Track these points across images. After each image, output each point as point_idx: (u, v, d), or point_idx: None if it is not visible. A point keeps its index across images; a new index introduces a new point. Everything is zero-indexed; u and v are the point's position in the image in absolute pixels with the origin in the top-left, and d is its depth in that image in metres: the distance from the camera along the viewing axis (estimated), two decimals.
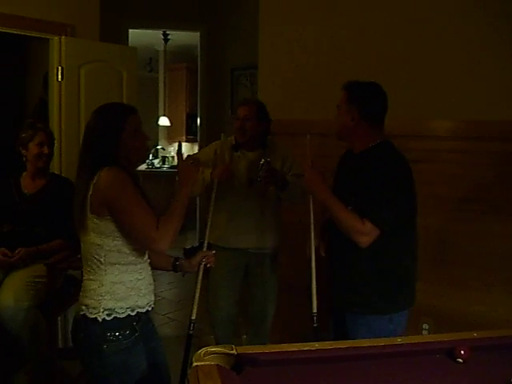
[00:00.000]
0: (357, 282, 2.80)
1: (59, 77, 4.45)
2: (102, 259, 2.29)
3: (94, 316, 2.27)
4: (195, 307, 3.14)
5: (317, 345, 2.07)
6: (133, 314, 2.33)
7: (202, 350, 1.91)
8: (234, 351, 1.94)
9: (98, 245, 2.28)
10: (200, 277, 3.09)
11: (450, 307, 3.61)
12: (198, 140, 7.81)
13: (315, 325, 2.91)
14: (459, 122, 3.59)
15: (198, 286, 3.13)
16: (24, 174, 3.67)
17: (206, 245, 3.31)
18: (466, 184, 3.57)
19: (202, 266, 2.83)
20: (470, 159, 3.55)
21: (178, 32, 8.49)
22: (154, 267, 2.52)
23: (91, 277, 2.31)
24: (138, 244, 2.32)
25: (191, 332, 3.15)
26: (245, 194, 3.61)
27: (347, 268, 2.83)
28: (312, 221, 3.07)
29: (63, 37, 4.47)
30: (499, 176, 3.45)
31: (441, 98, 3.63)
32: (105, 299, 2.28)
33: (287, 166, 3.66)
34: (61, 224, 3.55)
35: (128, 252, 2.31)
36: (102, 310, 2.27)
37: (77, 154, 4.39)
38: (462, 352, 2.03)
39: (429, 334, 3.61)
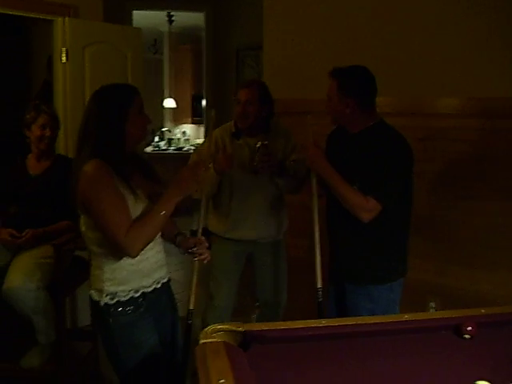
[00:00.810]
0: (357, 253, 2.87)
1: (63, 58, 4.43)
2: (97, 250, 2.32)
3: (98, 299, 2.33)
4: (193, 297, 3.11)
5: (323, 321, 2.08)
6: (137, 294, 2.35)
7: (210, 328, 1.92)
8: (241, 328, 1.95)
9: (89, 237, 2.32)
10: (196, 268, 3.05)
11: (457, 286, 3.61)
12: (204, 122, 7.79)
13: (320, 299, 2.93)
14: (465, 99, 3.56)
15: (195, 277, 3.07)
16: (29, 155, 3.67)
17: (200, 231, 3.11)
18: (473, 162, 3.55)
19: (196, 262, 2.83)
20: (476, 137, 3.53)
21: (183, 13, 8.43)
22: (163, 237, 2.55)
23: (94, 263, 2.37)
24: (113, 245, 2.27)
25: (190, 321, 3.12)
26: (250, 185, 3.41)
27: (348, 239, 2.90)
28: (315, 200, 3.05)
29: (67, 18, 4.44)
30: (506, 154, 3.43)
31: (446, 75, 3.60)
32: (106, 285, 2.32)
33: (289, 148, 3.47)
34: (67, 205, 3.55)
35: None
36: (104, 295, 2.32)
37: None
38: (469, 328, 2.03)
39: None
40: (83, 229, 2.33)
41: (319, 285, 2.97)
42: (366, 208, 2.71)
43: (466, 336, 2.04)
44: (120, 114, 2.27)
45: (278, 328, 2.03)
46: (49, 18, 4.49)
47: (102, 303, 2.31)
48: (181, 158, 7.73)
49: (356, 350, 1.96)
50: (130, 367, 2.35)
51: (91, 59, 4.58)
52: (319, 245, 2.92)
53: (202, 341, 1.84)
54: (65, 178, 3.54)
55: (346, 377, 1.81)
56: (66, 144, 4.43)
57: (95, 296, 2.34)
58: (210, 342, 1.83)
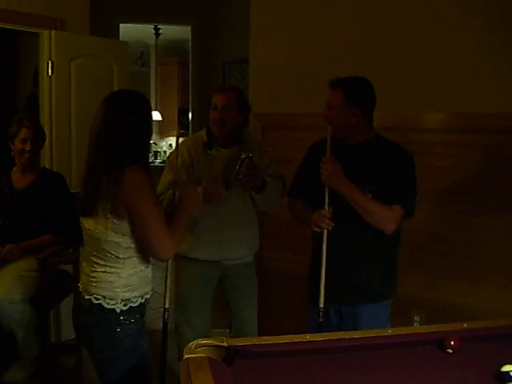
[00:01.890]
0: (359, 272, 2.81)
1: (49, 71, 4.42)
2: (120, 255, 2.32)
3: (111, 307, 2.32)
4: (168, 295, 3.05)
5: (308, 336, 2.08)
6: (142, 300, 2.41)
7: (193, 343, 1.92)
8: (224, 343, 1.95)
9: (117, 243, 2.30)
10: (170, 265, 2.97)
11: (441, 299, 3.62)
12: (190, 134, 7.79)
13: (321, 320, 2.80)
14: (451, 114, 3.59)
15: (169, 274, 2.97)
16: (14, 168, 3.66)
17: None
18: (457, 176, 3.58)
19: (170, 264, 2.80)
20: (462, 152, 3.56)
21: (170, 26, 8.45)
22: None
23: (108, 270, 2.34)
24: (146, 249, 2.34)
25: (166, 320, 3.06)
26: (220, 200, 3.06)
27: (347, 260, 2.82)
28: (327, 199, 2.79)
29: (53, 31, 4.44)
30: (491, 168, 3.46)
31: (433, 90, 3.63)
32: (123, 291, 2.34)
33: (266, 161, 3.26)
34: (51, 219, 3.55)
35: (141, 246, 2.35)
36: (119, 301, 2.33)
37: (67, 148, 4.45)
38: (452, 343, 2.04)
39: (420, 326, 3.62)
40: (108, 234, 2.28)
41: (321, 305, 2.81)
42: (394, 218, 2.70)
43: (449, 350, 2.05)
44: (149, 124, 2.35)
45: (262, 343, 2.03)
46: (35, 30, 4.49)
47: (117, 310, 2.32)
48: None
49: (340, 365, 1.96)
50: (131, 375, 2.37)
51: (77, 72, 4.58)
52: (325, 265, 2.78)
53: (186, 356, 1.84)
54: (50, 192, 3.58)
55: None
56: (51, 156, 4.42)
57: (107, 303, 2.32)
58: (194, 357, 1.83)
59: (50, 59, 4.43)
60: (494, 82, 3.43)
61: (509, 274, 3.41)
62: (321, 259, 2.80)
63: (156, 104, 10.36)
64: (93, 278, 2.35)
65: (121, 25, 7.06)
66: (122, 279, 2.34)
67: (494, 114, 3.39)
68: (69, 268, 3.85)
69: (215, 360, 1.86)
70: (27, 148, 3.57)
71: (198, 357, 1.84)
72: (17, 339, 3.34)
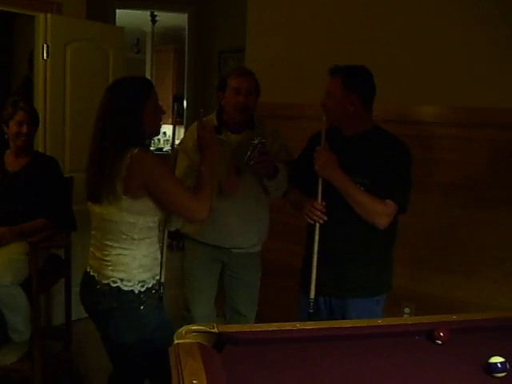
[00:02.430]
0: (349, 266, 2.79)
1: (45, 55, 4.39)
2: (135, 236, 2.37)
3: (129, 288, 2.38)
4: (164, 270, 3.00)
5: (298, 325, 2.08)
6: (155, 281, 2.48)
7: (184, 328, 1.92)
8: (215, 330, 1.95)
9: (132, 223, 2.35)
10: (165, 240, 2.86)
11: (432, 292, 3.64)
12: (185, 123, 7.77)
13: (311, 310, 2.78)
14: (447, 108, 3.60)
15: (164, 250, 2.83)
16: (7, 151, 3.65)
17: None
18: (452, 170, 3.59)
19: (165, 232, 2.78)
20: (458, 145, 3.57)
21: (166, 13, 8.40)
22: None
23: (122, 252, 2.39)
24: (180, 216, 2.50)
25: (162, 294, 3.05)
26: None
27: (338, 253, 2.80)
28: (320, 190, 2.76)
29: (49, 14, 4.40)
30: (486, 163, 3.47)
31: (429, 83, 3.64)
32: (139, 272, 2.40)
33: (276, 146, 3.18)
34: (44, 202, 3.54)
35: (153, 226, 2.43)
36: (136, 283, 2.40)
37: (61, 132, 4.44)
38: (441, 334, 2.05)
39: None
40: (123, 215, 2.33)
41: (312, 296, 2.79)
42: (386, 213, 2.68)
43: (438, 341, 2.06)
44: (142, 103, 2.35)
45: (253, 330, 2.04)
46: (31, 13, 4.46)
47: (135, 291, 2.38)
48: (160, 157, 7.69)
49: (329, 353, 1.97)
50: (162, 348, 2.36)
51: (73, 56, 4.54)
52: (317, 255, 2.76)
53: (176, 341, 1.84)
54: (43, 175, 3.57)
55: (319, 379, 1.82)
56: (44, 140, 4.40)
57: (125, 285, 2.37)
58: (184, 343, 1.83)
59: (46, 43, 4.39)
60: (493, 76, 3.43)
61: (500, 268, 3.43)
62: (312, 250, 2.79)
63: None
64: (108, 261, 2.39)
65: (117, 11, 7.02)
66: (137, 260, 2.39)
67: (493, 108, 3.40)
68: (60, 252, 3.86)
69: (206, 346, 1.86)
70: (23, 131, 3.55)
71: (189, 342, 1.84)
72: (6, 322, 3.33)
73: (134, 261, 2.39)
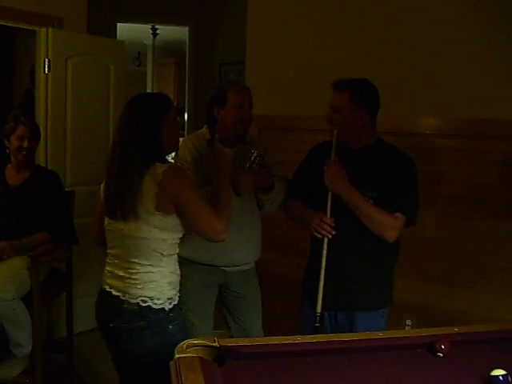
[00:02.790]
0: (356, 280, 2.78)
1: (46, 69, 4.42)
2: (164, 252, 2.36)
3: (159, 307, 2.36)
4: None
5: (299, 338, 2.08)
6: (178, 298, 2.48)
7: (184, 343, 1.92)
8: (216, 343, 1.95)
9: (162, 239, 2.34)
10: None
11: (433, 303, 3.63)
12: (186, 135, 7.79)
13: (317, 324, 2.77)
14: (447, 119, 3.61)
15: None
16: (9, 165, 3.66)
17: None
18: (451, 181, 3.59)
19: None
20: (457, 157, 3.58)
21: (167, 27, 8.45)
22: None
23: (152, 269, 2.36)
24: (202, 235, 2.43)
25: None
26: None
27: (345, 266, 2.78)
28: (329, 204, 2.74)
29: (50, 29, 4.43)
30: (485, 174, 3.48)
31: (428, 95, 3.65)
32: (168, 289, 2.39)
33: (270, 161, 3.09)
34: (45, 216, 3.55)
35: (179, 242, 2.43)
36: (166, 300, 2.38)
37: (62, 146, 4.45)
38: (443, 346, 2.04)
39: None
40: (153, 231, 2.32)
41: (318, 310, 2.76)
42: (396, 226, 2.67)
43: (440, 354, 2.05)
44: (163, 118, 2.36)
45: (253, 344, 2.03)
46: (32, 28, 4.49)
47: (166, 309, 2.37)
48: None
49: (331, 367, 1.97)
50: None
51: (74, 71, 4.57)
52: (324, 269, 2.74)
53: (177, 355, 1.84)
54: (44, 189, 3.58)
55: None
56: (46, 154, 4.41)
57: (155, 304, 2.35)
58: (185, 357, 1.82)
59: (47, 57, 4.42)
60: (490, 88, 3.45)
61: (500, 279, 3.42)
62: (319, 263, 2.77)
63: None
64: (136, 279, 2.35)
65: (118, 24, 7.06)
66: (166, 277, 2.39)
67: (490, 119, 3.41)
68: (61, 266, 3.86)
69: (206, 360, 1.86)
70: (25, 145, 3.57)
71: (189, 356, 1.83)
72: (8, 336, 3.33)
73: (164, 278, 2.38)
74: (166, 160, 2.43)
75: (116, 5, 6.72)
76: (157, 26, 9.04)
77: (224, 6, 6.85)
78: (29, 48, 4.83)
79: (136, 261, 2.35)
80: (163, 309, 2.36)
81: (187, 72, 7.63)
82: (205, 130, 3.20)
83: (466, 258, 3.55)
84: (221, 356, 1.93)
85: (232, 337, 3.32)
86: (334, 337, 2.20)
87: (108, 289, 2.41)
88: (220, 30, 6.96)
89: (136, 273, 2.35)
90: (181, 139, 2.83)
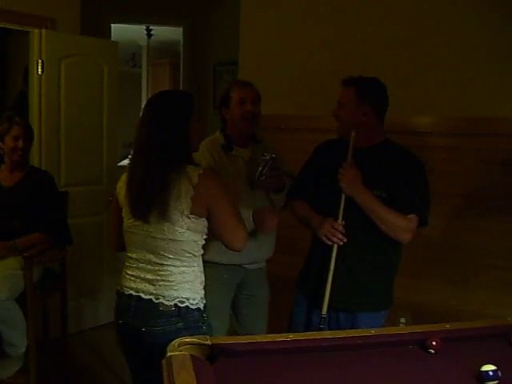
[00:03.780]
0: (361, 280, 2.78)
1: (39, 70, 4.42)
2: (196, 253, 2.37)
3: (196, 306, 2.36)
4: None
5: (291, 335, 2.08)
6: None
7: (176, 341, 1.92)
8: (208, 342, 1.95)
9: (195, 241, 2.34)
10: None
11: (427, 301, 3.65)
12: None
13: (322, 326, 2.75)
14: (441, 118, 3.61)
15: None
16: (2, 166, 3.66)
17: None
18: (446, 179, 3.59)
19: None
20: (452, 155, 3.58)
21: (161, 27, 8.45)
22: None
23: (186, 270, 2.36)
24: (225, 241, 2.42)
25: None
26: (246, 200, 2.86)
27: (352, 267, 2.77)
28: (340, 221, 2.70)
29: (44, 30, 4.43)
30: (480, 172, 3.48)
31: (421, 94, 3.66)
32: (200, 288, 2.41)
33: (279, 161, 3.10)
34: (39, 217, 3.55)
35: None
36: (200, 299, 2.39)
37: (56, 147, 4.46)
38: (434, 343, 2.06)
39: None
40: (186, 234, 2.30)
41: (324, 312, 2.74)
42: (410, 228, 2.68)
43: (431, 351, 2.06)
44: (189, 117, 2.33)
45: (246, 342, 2.04)
46: (26, 29, 4.49)
47: (201, 308, 2.38)
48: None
49: (322, 364, 1.97)
50: None
51: (67, 71, 4.57)
52: (333, 271, 2.72)
53: (169, 353, 1.84)
54: (38, 190, 3.58)
55: None
56: (39, 155, 4.41)
57: (191, 304, 2.34)
58: (177, 355, 1.83)
59: (40, 58, 4.42)
60: (488, 86, 3.45)
61: (494, 276, 3.43)
62: (322, 264, 2.77)
63: None
64: (171, 281, 2.33)
65: (112, 25, 7.06)
66: (198, 277, 2.40)
67: (489, 117, 3.42)
68: (55, 266, 3.86)
69: (198, 358, 1.86)
70: (20, 145, 3.58)
71: (182, 354, 1.83)
72: (2, 337, 3.34)
73: (197, 278, 2.38)
74: (193, 160, 2.38)
75: (110, 6, 6.72)
76: (151, 27, 9.04)
77: (218, 6, 6.86)
78: (22, 49, 4.82)
79: (169, 263, 2.33)
80: (199, 308, 2.37)
81: (182, 72, 7.64)
82: (218, 134, 3.17)
83: (459, 255, 3.56)
84: (213, 354, 1.94)
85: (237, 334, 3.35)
86: (327, 334, 2.21)
87: (134, 293, 2.37)
88: (214, 31, 6.96)
89: (170, 274, 2.33)
90: None
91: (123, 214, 2.41)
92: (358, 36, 3.90)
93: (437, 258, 3.64)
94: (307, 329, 2.89)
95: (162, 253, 2.33)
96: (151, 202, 2.26)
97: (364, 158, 2.74)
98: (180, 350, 1.88)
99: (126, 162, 9.79)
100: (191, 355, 1.84)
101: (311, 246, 2.98)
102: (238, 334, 3.31)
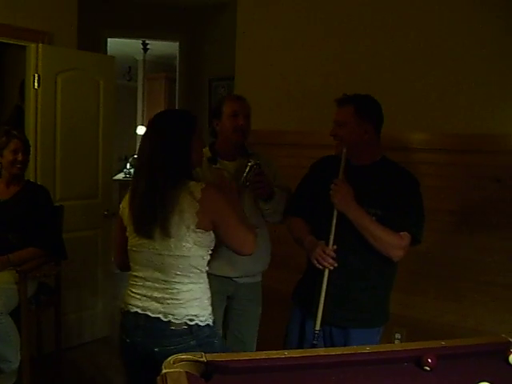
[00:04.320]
0: (354, 297, 2.78)
1: (36, 84, 4.42)
2: (202, 268, 2.38)
3: (205, 323, 2.36)
4: None
5: (286, 353, 2.08)
6: None
7: (171, 358, 1.91)
8: (203, 358, 1.94)
9: (201, 256, 2.35)
10: None
11: (422, 317, 3.64)
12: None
13: (315, 342, 2.74)
14: (433, 134, 3.63)
15: None
16: None
17: None
18: (440, 196, 3.59)
19: None
20: (445, 171, 3.60)
21: (158, 42, 8.49)
22: None
23: (193, 287, 2.36)
24: (235, 249, 2.46)
25: None
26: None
27: (345, 283, 2.77)
28: (332, 239, 2.73)
29: (40, 44, 4.44)
30: (473, 188, 3.49)
31: (417, 110, 3.67)
32: (208, 304, 2.41)
33: (272, 173, 3.17)
34: (34, 231, 3.54)
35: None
36: (208, 315, 2.39)
37: (52, 161, 4.45)
38: (429, 360, 2.05)
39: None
40: (193, 248, 2.32)
41: (317, 327, 2.75)
42: (402, 245, 2.68)
43: (427, 368, 2.06)
44: (192, 134, 2.38)
45: (241, 359, 2.03)
46: (22, 43, 4.49)
47: (210, 324, 2.38)
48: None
49: (319, 381, 1.96)
50: None
51: (64, 86, 4.57)
52: (325, 285, 2.73)
53: (164, 370, 1.83)
54: (34, 204, 3.58)
55: None
56: (35, 169, 4.40)
57: (201, 321, 2.34)
58: (172, 372, 1.82)
59: (37, 72, 4.42)
60: (476, 103, 3.48)
61: (489, 292, 3.43)
62: (316, 281, 2.77)
63: (143, 119, 10.37)
64: (179, 299, 2.33)
65: (109, 39, 7.08)
66: (205, 293, 2.40)
67: (476, 134, 3.44)
68: (50, 281, 3.85)
69: (193, 375, 1.85)
70: (19, 158, 3.59)
71: (177, 371, 1.83)
72: None
73: (204, 294, 2.39)
74: (194, 176, 2.43)
75: (107, 20, 6.74)
76: (147, 41, 9.08)
77: (214, 21, 6.90)
78: (18, 63, 4.84)
79: (176, 280, 2.33)
80: (208, 325, 2.36)
81: (177, 87, 7.66)
82: (205, 149, 3.09)
83: (454, 271, 3.56)
84: (208, 371, 1.93)
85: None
86: (321, 351, 2.20)
87: (141, 311, 2.36)
88: (210, 46, 6.99)
89: (178, 292, 2.33)
90: None
91: (127, 234, 2.42)
92: (354, 53, 3.92)
93: (433, 274, 3.64)
94: (302, 344, 2.89)
95: (169, 270, 2.33)
96: (154, 217, 2.28)
97: (362, 176, 2.75)
98: (175, 366, 1.86)
99: (121, 175, 9.81)
100: (186, 372, 1.83)
101: (308, 259, 2.97)
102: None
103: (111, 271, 4.95)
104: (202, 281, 2.39)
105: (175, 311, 2.32)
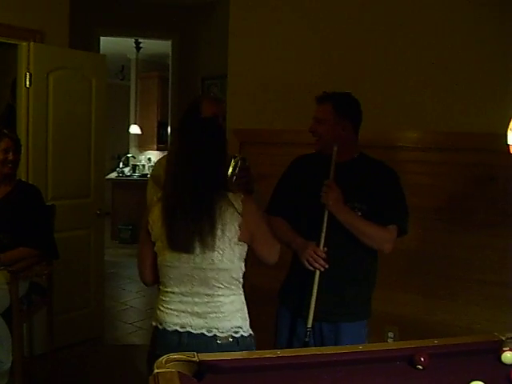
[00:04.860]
0: (344, 291, 2.79)
1: (27, 83, 4.40)
2: (241, 280, 2.37)
3: (248, 333, 2.35)
4: None
5: (278, 352, 2.07)
6: None
7: (164, 358, 1.90)
8: (195, 358, 1.93)
9: (240, 267, 2.35)
10: None
11: (415, 316, 3.65)
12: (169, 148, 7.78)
13: (307, 339, 2.74)
14: (424, 133, 3.64)
15: None
16: None
17: None
18: (433, 194, 3.61)
19: None
20: (437, 170, 3.61)
21: (150, 40, 8.48)
22: None
23: (235, 299, 2.34)
24: (264, 258, 2.45)
25: None
26: None
27: (334, 278, 2.76)
28: (323, 237, 2.72)
29: (32, 43, 4.42)
30: (466, 187, 3.51)
31: (408, 109, 3.68)
32: (248, 315, 2.39)
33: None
34: (26, 231, 3.53)
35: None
36: (249, 326, 2.37)
37: (44, 160, 4.43)
38: (422, 359, 2.04)
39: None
40: (235, 261, 2.30)
41: (309, 325, 2.74)
42: (391, 239, 2.74)
43: (419, 367, 2.05)
44: (224, 149, 2.37)
45: (233, 358, 2.02)
46: (14, 42, 4.47)
47: (252, 334, 2.37)
48: (145, 184, 7.69)
49: (311, 380, 1.96)
50: None
51: (55, 84, 4.56)
52: (317, 284, 2.72)
53: (156, 370, 1.82)
54: (25, 204, 3.56)
55: None
56: (27, 168, 4.38)
57: (244, 331, 2.33)
58: (164, 372, 1.81)
59: (28, 71, 4.41)
60: (469, 102, 3.49)
61: (482, 291, 3.45)
62: (306, 278, 2.76)
63: (135, 118, 10.36)
64: (223, 312, 2.30)
65: (102, 38, 7.07)
66: (245, 304, 2.39)
67: (469, 133, 3.45)
68: (42, 281, 3.83)
69: (185, 375, 1.84)
70: (10, 158, 3.57)
71: (169, 371, 1.82)
72: None
73: (244, 304, 2.38)
74: (227, 186, 2.41)
75: (99, 18, 6.74)
76: (140, 40, 9.06)
77: (207, 20, 6.89)
78: (10, 62, 4.81)
79: (220, 293, 2.30)
80: (251, 334, 2.36)
81: (170, 86, 7.66)
82: None
83: (447, 270, 3.57)
84: (200, 371, 1.92)
85: None
86: (314, 350, 2.20)
87: (180, 328, 2.29)
88: (203, 44, 6.99)
89: (221, 305, 2.30)
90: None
91: (157, 249, 2.33)
92: (346, 51, 3.93)
93: (426, 272, 3.65)
94: (293, 341, 2.90)
95: (213, 283, 2.28)
96: (198, 231, 2.23)
97: (343, 173, 2.76)
98: (167, 366, 1.85)
99: (113, 174, 9.79)
100: (178, 372, 1.83)
101: (292, 258, 2.96)
102: None
103: (103, 271, 4.93)
104: (241, 292, 2.38)
105: (219, 324, 2.28)
